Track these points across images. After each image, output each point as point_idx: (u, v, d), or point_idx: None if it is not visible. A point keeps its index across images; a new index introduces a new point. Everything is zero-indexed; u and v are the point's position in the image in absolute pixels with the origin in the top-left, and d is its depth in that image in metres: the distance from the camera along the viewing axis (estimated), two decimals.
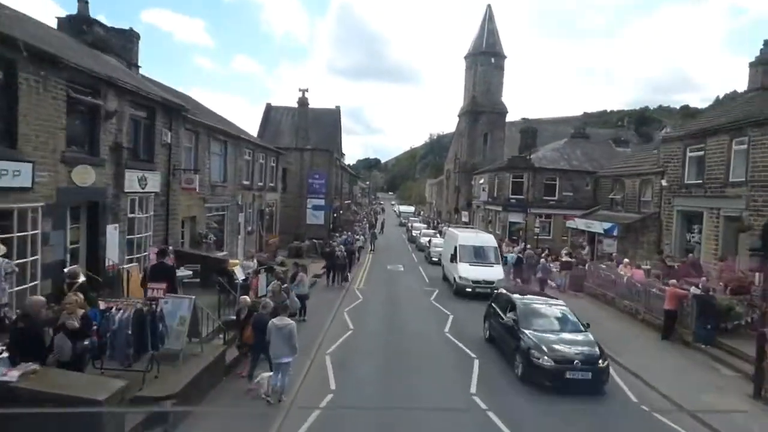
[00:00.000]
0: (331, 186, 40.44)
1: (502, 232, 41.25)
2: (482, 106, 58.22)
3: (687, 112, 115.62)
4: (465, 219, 55.22)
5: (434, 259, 32.22)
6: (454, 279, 23.38)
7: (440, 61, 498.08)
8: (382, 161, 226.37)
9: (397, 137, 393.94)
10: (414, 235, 47.07)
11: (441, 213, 74.30)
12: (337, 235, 32.43)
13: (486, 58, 58.30)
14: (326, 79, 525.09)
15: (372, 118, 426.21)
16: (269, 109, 43.15)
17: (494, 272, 22.54)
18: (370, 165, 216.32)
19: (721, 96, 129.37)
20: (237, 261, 16.96)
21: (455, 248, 23.77)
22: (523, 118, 45.42)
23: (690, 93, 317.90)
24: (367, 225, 46.11)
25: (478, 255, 23.41)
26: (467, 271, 22.58)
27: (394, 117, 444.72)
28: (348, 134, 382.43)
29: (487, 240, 25.00)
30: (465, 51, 61.53)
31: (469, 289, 22.06)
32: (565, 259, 25.02)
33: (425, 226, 53.86)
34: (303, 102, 40.08)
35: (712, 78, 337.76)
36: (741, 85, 46.63)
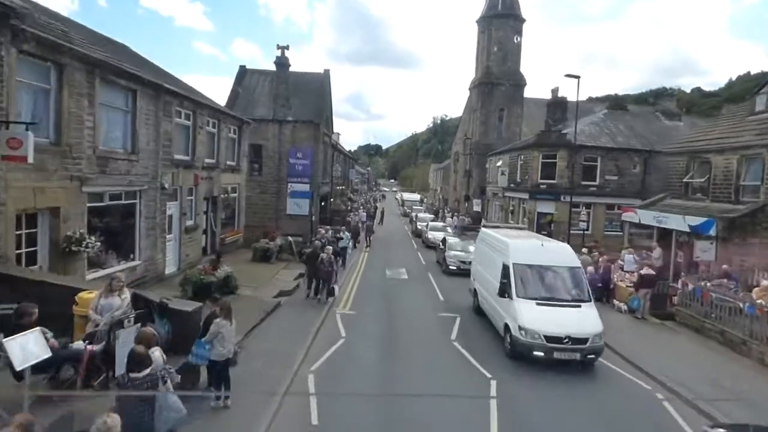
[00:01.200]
0: (318, 167, 32.31)
1: (528, 226, 33.16)
2: (498, 76, 49.80)
3: (703, 94, 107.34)
4: (477, 208, 47.10)
5: (452, 268, 24.09)
6: (508, 330, 12.47)
7: (442, 46, 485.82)
8: (384, 147, 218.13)
9: (398, 123, 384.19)
10: (419, 227, 39.04)
11: (447, 201, 66.12)
12: (323, 230, 24.52)
13: (502, 21, 49.72)
14: (328, 64, 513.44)
15: (373, 104, 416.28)
16: (243, 73, 34.83)
17: (585, 319, 12.09)
18: (371, 151, 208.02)
19: (734, 78, 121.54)
20: (92, 295, 8.80)
21: (505, 268, 13.16)
22: (554, 89, 36.37)
23: (696, 77, 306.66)
24: (359, 218, 37.68)
25: (551, 284, 12.81)
26: (534, 318, 11.83)
27: (396, 103, 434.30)
28: (349, 120, 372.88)
29: (562, 254, 13.82)
30: (477, 14, 53.01)
31: (540, 353, 11.60)
32: (645, 271, 16.86)
33: (432, 216, 45.62)
34: (282, 62, 31.81)
35: (717, 62, 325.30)
36: (747, 67, 38.05)
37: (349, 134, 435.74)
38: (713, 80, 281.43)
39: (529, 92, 51.67)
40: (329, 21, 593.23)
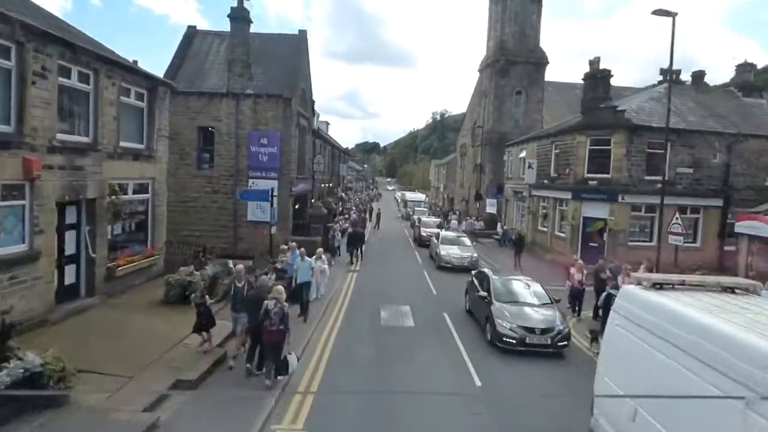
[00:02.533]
0: (290, 158, 23.63)
1: (572, 234, 24.58)
2: (514, 53, 41.23)
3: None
4: (491, 209, 38.49)
5: (509, 341, 12.19)
6: None
7: (438, 43, 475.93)
8: (382, 145, 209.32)
9: (395, 121, 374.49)
10: (424, 235, 30.37)
11: (453, 201, 57.45)
12: (290, 251, 15.86)
13: None
14: (323, 62, 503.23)
15: (369, 102, 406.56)
16: (192, 35, 26.06)
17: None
18: (368, 149, 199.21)
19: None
20: None
21: None
22: (594, 59, 27.62)
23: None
24: (338, 227, 28.57)
25: None
26: None
27: (392, 101, 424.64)
28: (345, 118, 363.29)
29: None
30: None
31: None
32: None
33: (437, 221, 36.69)
34: (240, 16, 23.18)
35: (715, 57, 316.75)
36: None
37: (346, 132, 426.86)
38: (713, 77, 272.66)
39: (547, 75, 43.13)
40: (324, 18, 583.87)
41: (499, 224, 37.93)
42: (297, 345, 11.31)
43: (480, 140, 42.78)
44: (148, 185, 15.07)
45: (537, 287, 14.18)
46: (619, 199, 22.99)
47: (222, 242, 23.30)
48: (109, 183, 12.69)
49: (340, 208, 48.11)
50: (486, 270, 16.31)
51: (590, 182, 23.81)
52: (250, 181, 22.96)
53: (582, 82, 27.52)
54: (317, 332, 13.17)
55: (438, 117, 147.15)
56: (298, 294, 13.89)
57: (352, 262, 24.90)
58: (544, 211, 28.02)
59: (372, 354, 11.91)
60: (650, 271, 15.25)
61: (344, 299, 17.59)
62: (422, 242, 30.34)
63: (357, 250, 26.28)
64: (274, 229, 18.15)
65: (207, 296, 10.63)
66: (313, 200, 28.73)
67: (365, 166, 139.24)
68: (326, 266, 16.45)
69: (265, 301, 10.06)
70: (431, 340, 13.35)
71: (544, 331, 12.03)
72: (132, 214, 14.45)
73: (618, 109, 23.70)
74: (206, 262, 14.73)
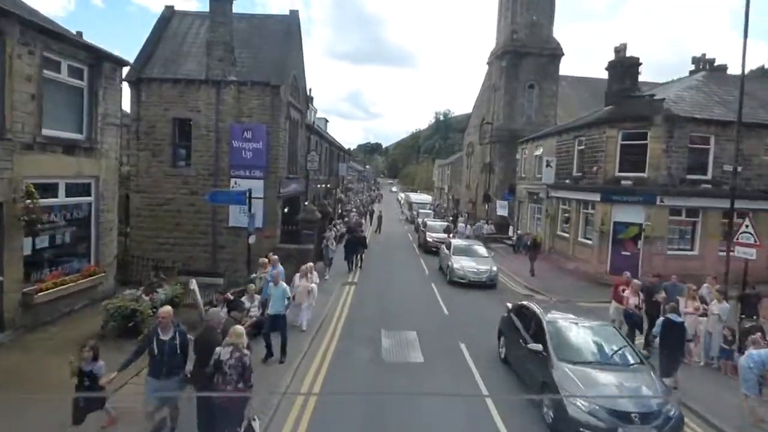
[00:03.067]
0: (278, 154, 20.49)
1: (600, 241, 21.39)
2: (526, 44, 38.08)
3: None
4: (501, 212, 35.26)
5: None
6: None
7: (440, 43, 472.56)
8: (384, 146, 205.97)
9: (398, 122, 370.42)
10: (431, 241, 27.31)
11: (459, 202, 54.26)
12: (265, 267, 12.78)
13: None
14: (325, 63, 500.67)
15: (372, 103, 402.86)
16: (169, 16, 22.94)
17: None
18: (370, 149, 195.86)
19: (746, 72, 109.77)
20: None
21: None
22: (619, 46, 24.44)
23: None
24: (332, 234, 24.10)
25: None
26: None
27: (395, 101, 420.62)
28: (348, 119, 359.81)
29: None
30: None
31: None
32: None
33: (444, 224, 33.29)
34: None
35: (719, 58, 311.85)
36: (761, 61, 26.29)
37: (349, 133, 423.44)
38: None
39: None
40: (325, 19, 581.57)
41: (510, 228, 34.80)
42: (266, 405, 8.21)
43: (489, 138, 39.61)
44: (90, 186, 11.94)
45: (616, 337, 9.45)
46: (657, 202, 19.82)
47: (201, 251, 20.23)
48: (25, 183, 9.57)
49: (340, 210, 45.04)
50: (533, 306, 10.83)
51: (623, 182, 20.63)
52: (232, 180, 19.85)
53: (595, 77, 24.51)
54: (298, 377, 10.03)
55: (441, 117, 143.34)
56: (271, 326, 10.70)
57: (350, 270, 21.96)
58: (566, 214, 24.82)
59: (371, 413, 8.77)
60: (721, 293, 12.08)
61: (338, 322, 14.47)
62: (428, 249, 27.32)
63: (357, 256, 23.30)
64: (252, 239, 14.99)
65: (95, 355, 6.82)
66: (306, 202, 25.59)
67: (367, 166, 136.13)
68: (314, 285, 13.19)
69: (217, 348, 7.02)
70: (448, 384, 10.21)
71: (645, 418, 7.34)
72: (65, 224, 11.30)
73: (656, 98, 20.52)
74: (160, 282, 11.56)
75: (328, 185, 35.29)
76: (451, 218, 43.49)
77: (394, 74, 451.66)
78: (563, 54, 38.94)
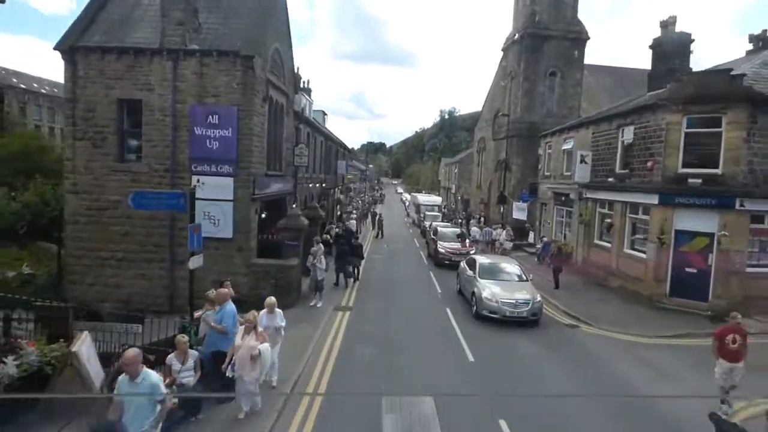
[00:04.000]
0: (252, 143, 16.01)
1: (658, 255, 16.82)
2: (548, 26, 33.57)
3: None
4: (519, 215, 30.74)
5: None
6: None
7: (444, 42, 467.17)
8: (388, 146, 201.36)
9: (401, 122, 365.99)
10: (443, 253, 23.19)
11: (468, 202, 49.66)
12: (213, 305, 8.55)
13: None
14: (329, 63, 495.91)
15: (376, 103, 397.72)
16: None
17: None
18: (374, 149, 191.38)
19: None
20: None
21: None
22: (667, 19, 19.81)
23: None
24: (318, 251, 18.47)
25: None
26: None
27: (398, 101, 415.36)
28: (352, 119, 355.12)
29: None
30: None
31: None
32: None
33: (455, 229, 28.28)
34: None
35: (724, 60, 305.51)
36: None
37: (353, 134, 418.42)
38: None
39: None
40: (329, 20, 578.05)
41: (531, 233, 30.29)
42: None
43: (505, 131, 35.09)
44: None
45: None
46: (736, 206, 15.32)
47: (156, 269, 15.86)
48: None
49: (339, 212, 40.63)
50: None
51: (689, 181, 16.10)
52: (194, 178, 15.45)
53: (617, 65, 19.91)
54: None
55: (446, 115, 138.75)
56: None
57: (344, 285, 17.76)
58: (607, 220, 20.26)
59: None
60: None
61: (319, 380, 10.11)
62: (440, 262, 22.82)
63: (353, 269, 19.14)
64: (195, 262, 10.50)
65: None
66: (294, 205, 21.19)
67: (370, 166, 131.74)
68: (266, 346, 8.44)
69: None
70: None
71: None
72: None
73: (732, 73, 15.98)
74: (16, 344, 7.11)
75: (324, 185, 30.86)
76: (461, 221, 38.99)
77: (396, 73, 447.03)
78: (589, 38, 34.38)
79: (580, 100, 34.38)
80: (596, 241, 21.50)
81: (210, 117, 15.39)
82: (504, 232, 28.14)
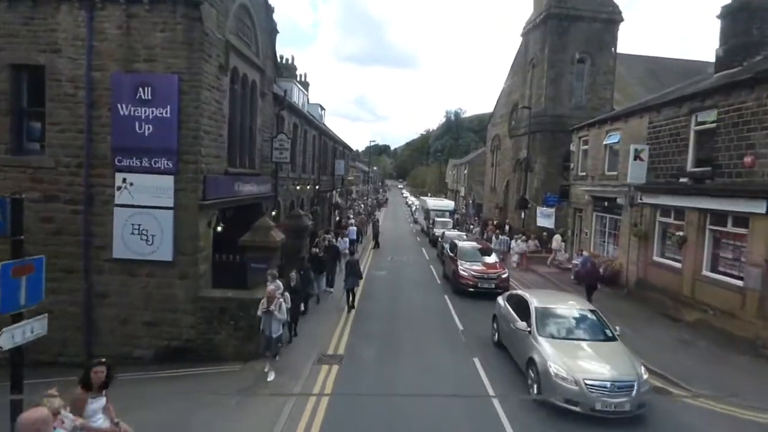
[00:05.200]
0: (200, 128, 11.35)
1: (760, 284, 12.02)
2: (575, 7, 28.85)
3: None
4: (545, 222, 26.05)
5: None
6: None
7: (448, 44, 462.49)
8: (392, 148, 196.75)
9: (406, 124, 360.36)
10: (466, 277, 17.36)
11: (481, 207, 44.79)
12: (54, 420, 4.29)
13: None
14: (333, 65, 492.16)
15: (379, 106, 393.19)
16: None
17: None
18: (378, 151, 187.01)
19: None
20: None
21: None
22: None
23: None
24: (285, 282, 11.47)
25: None
26: None
27: (402, 104, 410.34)
28: (355, 121, 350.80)
29: None
30: None
31: None
32: None
33: (474, 245, 22.58)
34: None
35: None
36: None
37: (356, 136, 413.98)
38: None
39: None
40: (333, 22, 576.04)
41: (561, 243, 25.43)
42: None
43: (525, 127, 30.34)
44: None
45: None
46: None
47: (66, 303, 11.17)
48: None
49: (338, 217, 35.95)
50: None
51: None
52: (119, 177, 10.83)
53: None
54: None
55: (452, 116, 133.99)
56: None
57: (347, 310, 13.22)
58: (680, 233, 15.43)
59: None
60: None
61: None
62: (461, 288, 17.48)
63: (348, 296, 14.64)
64: (20, 334, 5.72)
65: None
66: (273, 212, 16.53)
67: (374, 168, 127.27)
68: None
69: None
70: None
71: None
72: None
73: None
74: None
75: (318, 186, 26.18)
76: (470, 226, 34.25)
77: (400, 75, 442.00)
78: (622, 19, 29.64)
79: (612, 90, 29.59)
80: (657, 259, 16.71)
81: (141, 90, 10.74)
82: (531, 243, 23.44)
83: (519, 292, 12.26)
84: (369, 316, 14.75)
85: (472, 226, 40.90)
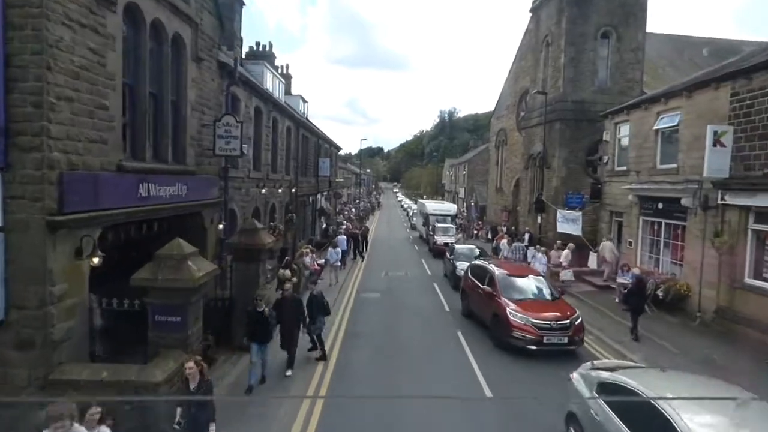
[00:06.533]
0: (41, 84, 6.64)
1: None
2: None
3: None
4: (568, 227, 21.46)
5: None
6: None
7: (439, 45, 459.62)
8: (385, 150, 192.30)
9: (398, 127, 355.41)
10: (516, 327, 11.03)
11: (485, 210, 40.05)
12: None
13: None
14: (323, 68, 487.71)
15: (370, 108, 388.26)
16: None
17: None
18: (371, 153, 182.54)
19: None
20: None
21: None
22: None
23: None
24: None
25: None
26: None
27: (394, 106, 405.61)
28: (347, 124, 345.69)
29: None
30: None
31: None
32: None
33: (533, 281, 14.53)
34: None
35: None
36: None
37: (348, 139, 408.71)
38: None
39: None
40: (322, 25, 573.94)
41: (610, 252, 20.59)
42: None
43: (539, 116, 25.71)
44: None
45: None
46: None
47: None
48: None
49: (323, 224, 31.18)
50: None
51: None
52: None
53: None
54: None
55: (446, 116, 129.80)
56: None
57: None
58: None
59: None
60: None
61: None
62: (511, 341, 11.17)
63: (312, 340, 9.85)
64: None
65: None
66: (221, 225, 11.73)
67: (368, 170, 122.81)
68: None
69: None
70: None
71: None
72: None
73: None
74: None
75: (295, 189, 21.35)
76: (476, 232, 29.52)
77: (391, 78, 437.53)
78: None
79: (642, 70, 25.04)
80: (750, 281, 12.06)
81: None
82: (566, 254, 18.82)
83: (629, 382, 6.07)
84: (354, 375, 9.99)
85: (476, 231, 36.24)
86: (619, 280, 16.40)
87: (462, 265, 17.14)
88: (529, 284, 12.93)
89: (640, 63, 25.01)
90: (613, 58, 24.74)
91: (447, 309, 15.57)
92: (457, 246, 20.14)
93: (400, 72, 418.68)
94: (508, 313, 11.45)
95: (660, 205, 15.86)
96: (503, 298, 12.05)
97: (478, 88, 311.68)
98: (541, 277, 13.80)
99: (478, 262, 15.44)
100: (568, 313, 11.40)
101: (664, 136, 15.98)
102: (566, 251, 19.06)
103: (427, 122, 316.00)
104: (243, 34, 35.87)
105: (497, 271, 13.37)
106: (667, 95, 15.84)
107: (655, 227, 16.50)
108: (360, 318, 14.14)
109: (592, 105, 23.84)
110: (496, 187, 36.25)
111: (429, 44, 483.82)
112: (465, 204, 47.92)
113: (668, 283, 14.68)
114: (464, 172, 51.94)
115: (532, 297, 12.32)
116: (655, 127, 16.25)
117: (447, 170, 66.91)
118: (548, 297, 12.50)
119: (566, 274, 18.17)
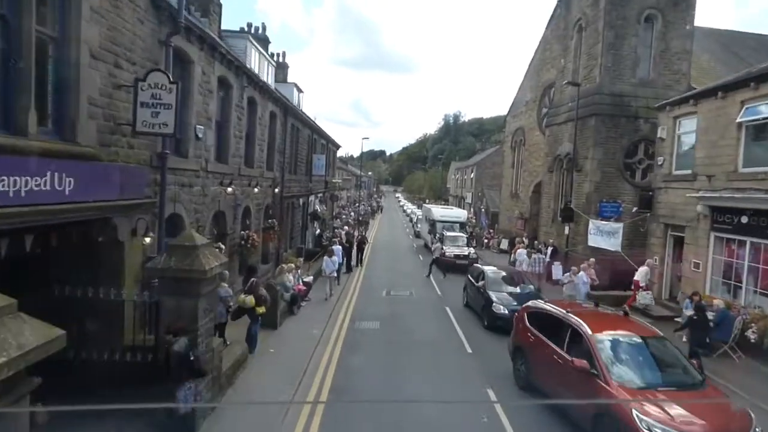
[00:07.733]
0: None
1: None
2: None
3: None
4: (603, 242, 17.83)
5: None
6: None
7: (444, 49, 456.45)
8: (388, 153, 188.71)
9: (401, 131, 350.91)
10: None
11: (497, 217, 36.17)
12: None
13: None
14: (328, 69, 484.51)
15: (374, 111, 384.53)
16: None
17: None
18: (373, 156, 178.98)
19: None
20: None
21: None
22: None
23: None
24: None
25: None
26: None
27: (397, 110, 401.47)
28: (350, 126, 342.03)
29: None
30: None
31: None
32: None
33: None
34: None
35: None
36: None
37: (352, 141, 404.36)
38: None
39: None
40: (328, 27, 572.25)
41: (643, 276, 16.77)
42: None
43: (570, 111, 21.97)
44: None
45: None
46: None
47: None
48: None
49: (317, 229, 27.49)
50: None
51: None
52: None
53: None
54: None
55: (451, 120, 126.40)
56: None
57: None
58: None
59: None
60: None
61: None
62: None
63: None
64: None
65: None
66: (149, 237, 7.98)
67: (369, 173, 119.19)
68: None
69: None
70: None
71: None
72: None
73: None
74: None
75: (280, 190, 17.56)
76: (486, 240, 25.75)
77: (396, 80, 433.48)
78: None
79: (690, 62, 21.34)
80: None
81: None
82: (583, 273, 15.07)
83: None
84: None
85: (486, 240, 32.50)
86: (687, 311, 12.57)
87: (500, 298, 13.42)
88: (649, 355, 7.58)
89: (688, 53, 21.29)
90: (658, 46, 21.01)
91: (469, 351, 11.73)
92: (487, 270, 15.71)
93: (404, 75, 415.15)
94: (637, 422, 6.07)
95: (743, 219, 12.08)
96: (614, 384, 6.81)
97: (483, 92, 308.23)
98: (666, 342, 8.07)
99: (540, 304, 10.07)
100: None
101: (751, 131, 12.24)
102: (591, 270, 15.29)
103: (430, 126, 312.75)
104: (243, 24, 31.65)
105: (589, 331, 7.70)
106: (757, 78, 12.07)
107: (734, 247, 12.71)
108: (353, 363, 10.37)
109: (632, 99, 20.39)
110: (511, 193, 32.47)
111: (434, 47, 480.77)
112: (473, 210, 44.04)
113: (764, 321, 10.91)
114: (472, 176, 48.16)
115: (661, 381, 7.09)
116: (738, 120, 12.48)
117: (452, 174, 63.16)
118: (688, 380, 7.27)
119: (645, 297, 14.29)
